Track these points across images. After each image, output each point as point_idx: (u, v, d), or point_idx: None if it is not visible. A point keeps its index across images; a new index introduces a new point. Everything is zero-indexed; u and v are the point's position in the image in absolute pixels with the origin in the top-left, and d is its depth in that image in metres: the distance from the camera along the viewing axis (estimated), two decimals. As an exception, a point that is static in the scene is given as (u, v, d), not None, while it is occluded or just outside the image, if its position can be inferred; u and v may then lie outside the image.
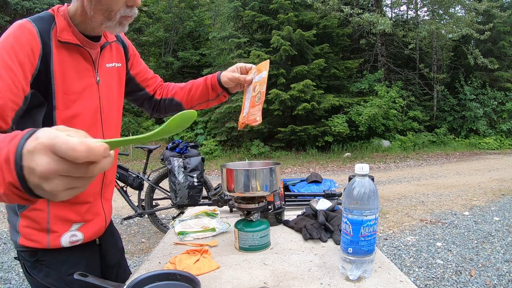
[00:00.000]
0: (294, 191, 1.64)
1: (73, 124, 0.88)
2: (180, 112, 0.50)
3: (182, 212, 3.28)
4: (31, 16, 0.86)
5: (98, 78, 0.96)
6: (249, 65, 1.15)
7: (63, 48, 0.88)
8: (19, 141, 0.44)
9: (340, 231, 1.08)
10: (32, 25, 0.83)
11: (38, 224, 0.92)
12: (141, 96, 1.21)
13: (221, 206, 1.58)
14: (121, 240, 1.26)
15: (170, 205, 3.53)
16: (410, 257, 3.15)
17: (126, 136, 0.62)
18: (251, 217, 1.09)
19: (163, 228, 3.62)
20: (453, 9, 12.11)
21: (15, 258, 1.02)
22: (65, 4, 0.91)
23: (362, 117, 9.51)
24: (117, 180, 3.54)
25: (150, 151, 3.81)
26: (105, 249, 1.12)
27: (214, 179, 5.99)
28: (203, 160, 3.40)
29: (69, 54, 0.89)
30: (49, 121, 0.88)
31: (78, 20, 0.89)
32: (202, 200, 3.30)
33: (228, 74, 1.12)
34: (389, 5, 14.19)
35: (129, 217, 3.59)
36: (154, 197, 3.68)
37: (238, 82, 1.12)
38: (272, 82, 10.06)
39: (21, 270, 2.99)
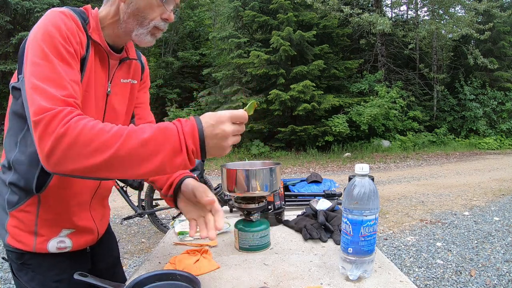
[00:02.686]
0: (294, 191, 1.64)
1: None
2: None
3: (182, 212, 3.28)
4: (67, 7, 0.84)
5: (109, 89, 0.93)
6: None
7: (93, 48, 0.86)
8: (195, 120, 0.71)
9: (340, 231, 1.08)
10: (73, 14, 0.81)
11: (26, 225, 0.88)
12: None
13: (221, 206, 1.58)
14: (117, 249, 1.21)
15: (170, 205, 3.53)
16: (410, 257, 3.15)
17: None
18: (251, 217, 1.09)
19: (163, 228, 3.62)
20: (453, 9, 12.12)
21: (2, 258, 1.00)
22: (95, 8, 0.91)
23: (363, 117, 9.51)
24: (117, 180, 3.54)
25: (150, 151, 3.81)
26: (98, 258, 1.08)
27: (214, 179, 5.99)
28: (203, 160, 3.39)
29: (96, 55, 0.87)
30: None
31: (106, 23, 0.88)
32: (202, 200, 3.29)
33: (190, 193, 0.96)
34: (389, 5, 14.20)
35: (129, 217, 3.59)
36: (154, 197, 3.68)
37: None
38: (272, 82, 10.06)
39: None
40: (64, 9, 0.81)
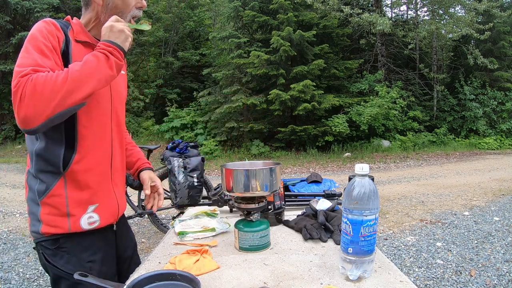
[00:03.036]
0: (294, 191, 1.64)
1: (90, 112, 1.02)
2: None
3: (182, 212, 3.28)
4: (46, 18, 1.02)
5: None
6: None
7: (81, 46, 1.02)
8: (101, 40, 0.96)
9: (340, 231, 1.08)
10: (54, 21, 1.00)
11: (58, 210, 0.98)
12: None
13: (221, 206, 1.58)
14: (132, 233, 1.33)
15: (170, 205, 3.53)
16: (410, 257, 3.15)
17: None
18: (251, 217, 1.09)
19: (163, 228, 3.62)
20: (453, 9, 12.11)
21: (33, 248, 1.09)
22: (74, 18, 1.09)
23: (363, 117, 9.51)
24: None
25: (150, 151, 3.81)
26: (120, 240, 1.18)
27: (214, 179, 5.99)
28: (203, 160, 3.39)
29: (83, 51, 1.01)
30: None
31: (90, 27, 1.07)
32: (202, 200, 3.30)
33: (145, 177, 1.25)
34: (389, 5, 14.19)
35: (129, 217, 3.58)
36: (154, 197, 3.67)
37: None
38: (272, 82, 10.06)
39: (21, 270, 2.96)
40: (45, 19, 1.00)
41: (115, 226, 1.14)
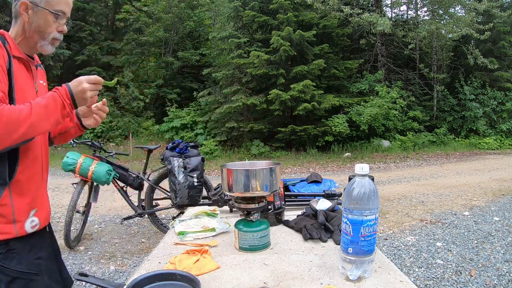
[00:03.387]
0: (294, 191, 1.64)
1: None
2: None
3: (182, 212, 3.28)
4: None
5: (37, 89, 1.18)
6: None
7: (16, 61, 1.08)
8: (66, 86, 1.06)
9: (340, 231, 1.08)
10: None
11: (5, 218, 1.05)
12: None
13: (221, 206, 1.58)
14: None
15: (170, 205, 3.53)
16: (410, 257, 3.16)
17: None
18: (251, 217, 1.09)
19: (163, 228, 3.62)
20: (453, 9, 12.11)
21: None
22: (5, 32, 1.13)
23: (363, 117, 9.51)
24: (117, 180, 3.54)
25: (150, 151, 3.81)
26: (53, 237, 1.30)
27: (214, 179, 5.99)
28: (203, 160, 3.40)
29: (20, 66, 1.09)
30: None
31: (18, 41, 1.11)
32: (202, 200, 3.30)
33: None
34: (389, 5, 14.19)
35: (129, 217, 3.59)
36: (154, 197, 3.68)
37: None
38: (272, 82, 10.06)
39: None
40: None
41: (47, 228, 1.25)
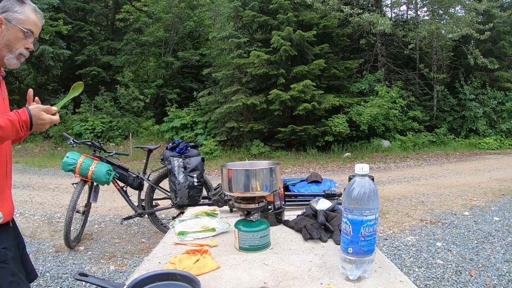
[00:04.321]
0: (294, 191, 1.64)
1: None
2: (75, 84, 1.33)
3: (182, 212, 3.28)
4: None
5: (4, 96, 1.27)
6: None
7: None
8: (28, 115, 1.14)
9: (340, 231, 1.08)
10: None
11: None
12: None
13: (221, 206, 1.58)
14: (22, 238, 1.48)
15: (170, 205, 3.53)
16: (410, 257, 3.16)
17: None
18: (251, 217, 1.09)
19: (163, 228, 3.62)
20: (453, 9, 12.10)
21: None
22: None
23: (363, 117, 9.51)
24: (117, 180, 3.54)
25: (150, 151, 3.81)
26: (17, 233, 1.36)
27: (214, 179, 5.99)
28: (203, 160, 3.40)
29: None
30: None
31: None
32: (202, 200, 3.29)
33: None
34: (389, 5, 14.19)
35: (129, 217, 3.59)
36: (154, 197, 3.68)
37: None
38: (272, 82, 10.06)
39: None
40: None
41: (11, 223, 1.32)
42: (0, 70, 1.30)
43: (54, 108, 1.20)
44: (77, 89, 1.33)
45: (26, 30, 1.21)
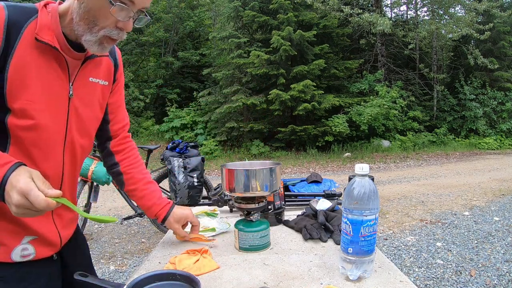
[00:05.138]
0: (294, 191, 1.64)
1: (29, 136, 0.81)
2: (106, 217, 0.81)
3: (182, 212, 3.27)
4: (10, 2, 0.76)
5: (71, 92, 0.86)
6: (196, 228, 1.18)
7: (36, 49, 0.77)
8: (5, 172, 0.68)
9: (340, 231, 1.08)
10: (3, 11, 0.74)
11: None
12: (101, 129, 1.05)
13: (221, 206, 1.58)
14: (88, 249, 1.17)
15: (170, 205, 3.53)
16: (410, 257, 3.15)
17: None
18: (251, 217, 1.09)
19: (163, 228, 3.62)
20: (453, 9, 12.11)
21: None
22: (58, 1, 0.82)
23: (363, 117, 9.51)
24: (117, 180, 3.53)
25: (150, 151, 3.81)
26: (67, 261, 1.02)
27: (214, 179, 5.99)
28: (203, 160, 3.40)
29: (41, 56, 0.79)
30: (1, 127, 0.79)
31: (66, 22, 0.81)
32: (202, 200, 3.29)
33: (174, 225, 1.14)
34: (389, 5, 14.19)
35: (129, 217, 3.59)
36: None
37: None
38: (272, 82, 10.06)
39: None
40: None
41: (55, 256, 0.97)
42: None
43: (55, 192, 0.70)
44: (105, 220, 0.87)
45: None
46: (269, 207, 1.31)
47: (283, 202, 1.37)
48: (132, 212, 3.66)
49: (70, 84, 0.86)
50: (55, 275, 0.97)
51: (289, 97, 9.03)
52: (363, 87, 10.93)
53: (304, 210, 1.38)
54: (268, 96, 9.27)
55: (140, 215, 3.58)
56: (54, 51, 0.80)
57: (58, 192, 0.70)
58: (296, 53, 9.45)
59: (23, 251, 0.88)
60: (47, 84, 0.80)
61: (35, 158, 0.83)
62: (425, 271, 2.87)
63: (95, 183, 3.43)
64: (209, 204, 1.68)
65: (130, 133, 1.18)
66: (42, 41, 0.77)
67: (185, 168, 3.25)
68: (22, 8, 0.77)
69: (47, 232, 0.92)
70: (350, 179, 0.99)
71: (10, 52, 0.74)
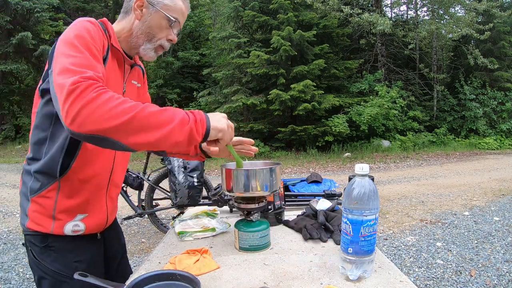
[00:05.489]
0: (294, 191, 1.64)
1: None
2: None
3: (182, 212, 3.28)
4: (89, 18, 0.98)
5: (124, 89, 1.10)
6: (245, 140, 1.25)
7: (111, 53, 1.01)
8: (205, 114, 0.90)
9: (340, 231, 1.08)
10: (99, 24, 0.97)
11: (45, 210, 0.99)
12: None
13: (221, 206, 1.58)
14: (123, 237, 1.33)
15: (170, 205, 3.53)
16: (410, 257, 3.15)
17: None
18: (251, 217, 1.09)
19: (163, 228, 3.62)
20: (453, 9, 12.10)
21: (22, 244, 1.10)
22: (108, 22, 1.06)
23: (363, 117, 9.51)
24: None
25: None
26: (107, 244, 1.20)
27: (214, 179, 5.99)
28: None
29: (114, 59, 1.03)
30: None
31: (122, 36, 1.05)
32: (202, 200, 3.30)
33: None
34: (389, 5, 14.19)
35: (129, 217, 3.59)
36: (154, 197, 3.68)
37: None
38: (272, 82, 10.06)
39: (21, 270, 2.95)
40: (90, 19, 0.97)
41: (99, 235, 1.14)
42: (136, 58, 1.14)
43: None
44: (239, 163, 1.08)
45: (173, 19, 1.02)
46: (269, 207, 1.31)
47: (283, 202, 1.37)
48: (132, 212, 3.66)
49: (124, 83, 1.09)
50: (98, 253, 1.14)
51: (289, 97, 9.03)
52: (363, 87, 10.93)
53: (304, 210, 1.38)
54: (268, 96, 9.27)
55: (140, 215, 3.57)
56: (119, 56, 1.04)
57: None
58: (296, 53, 9.45)
59: (74, 226, 1.03)
60: (114, 82, 1.03)
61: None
62: (425, 271, 2.87)
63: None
64: (209, 204, 1.69)
65: None
66: (116, 47, 1.01)
67: (185, 168, 3.25)
68: (101, 23, 1.00)
69: (99, 212, 1.09)
70: (350, 179, 0.99)
71: (106, 57, 0.98)
